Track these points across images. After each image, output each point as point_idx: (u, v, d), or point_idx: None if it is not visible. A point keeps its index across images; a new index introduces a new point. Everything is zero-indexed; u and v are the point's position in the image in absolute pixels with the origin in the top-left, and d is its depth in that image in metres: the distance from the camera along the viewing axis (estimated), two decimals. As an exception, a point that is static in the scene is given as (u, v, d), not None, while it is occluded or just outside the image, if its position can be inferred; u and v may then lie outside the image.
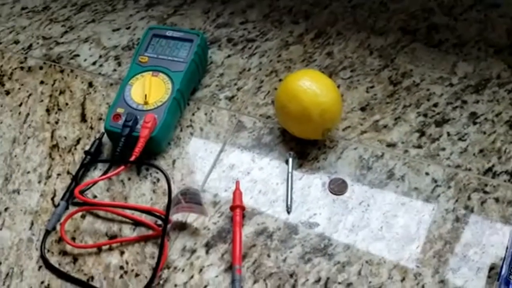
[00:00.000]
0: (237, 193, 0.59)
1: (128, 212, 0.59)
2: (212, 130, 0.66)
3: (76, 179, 0.62)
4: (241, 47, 0.75)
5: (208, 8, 0.79)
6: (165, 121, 0.62)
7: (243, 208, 0.58)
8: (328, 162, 0.62)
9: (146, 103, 0.63)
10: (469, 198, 0.58)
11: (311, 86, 0.60)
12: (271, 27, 0.76)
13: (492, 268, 0.53)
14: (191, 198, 0.57)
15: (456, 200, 0.58)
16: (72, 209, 0.60)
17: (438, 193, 0.59)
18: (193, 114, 0.68)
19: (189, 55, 0.67)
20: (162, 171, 0.57)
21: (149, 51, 0.68)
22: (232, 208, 0.58)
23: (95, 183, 0.61)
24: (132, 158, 0.59)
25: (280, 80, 0.70)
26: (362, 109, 0.66)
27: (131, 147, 0.61)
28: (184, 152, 0.65)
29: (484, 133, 0.63)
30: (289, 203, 0.59)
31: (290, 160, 0.62)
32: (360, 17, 0.76)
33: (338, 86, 0.68)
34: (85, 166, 0.63)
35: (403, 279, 0.53)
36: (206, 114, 0.68)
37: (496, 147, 0.61)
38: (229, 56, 0.74)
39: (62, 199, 0.61)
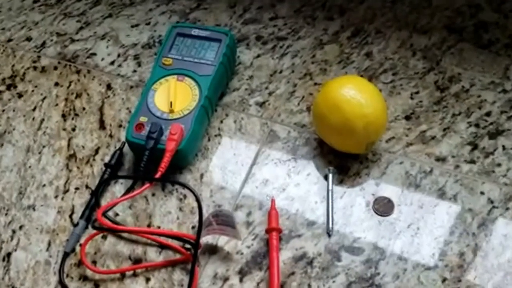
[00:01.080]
0: (273, 214, 0.54)
1: (154, 235, 0.54)
2: (242, 140, 0.61)
3: (97, 195, 0.57)
4: (271, 46, 0.69)
5: (234, 2, 0.73)
6: (192, 132, 0.57)
7: (280, 231, 0.53)
8: (371, 178, 0.57)
9: (171, 111, 0.58)
10: (530, 221, 0.52)
11: (355, 96, 0.54)
12: (303, 23, 0.70)
13: (560, 304, 0.48)
14: (224, 221, 0.52)
15: (516, 224, 0.52)
16: (91, 228, 0.55)
17: (496, 216, 0.53)
18: (221, 122, 0.62)
19: (218, 57, 0.61)
20: (191, 190, 0.51)
21: (173, 52, 0.63)
22: (268, 231, 0.53)
23: (117, 204, 0.56)
24: (158, 175, 0.54)
25: (316, 84, 0.64)
26: (407, 117, 0.61)
27: (156, 161, 0.55)
28: (212, 164, 0.59)
29: (544, 147, 0.57)
30: (330, 225, 0.54)
31: (330, 175, 0.56)
32: (401, 13, 0.70)
33: (380, 91, 0.62)
34: (106, 182, 0.58)
35: (460, 315, 0.48)
36: (235, 121, 0.62)
37: (558, 163, 0.56)
38: (258, 56, 0.68)
39: (81, 217, 0.56)
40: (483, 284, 0.49)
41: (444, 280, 0.50)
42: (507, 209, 0.53)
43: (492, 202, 0.54)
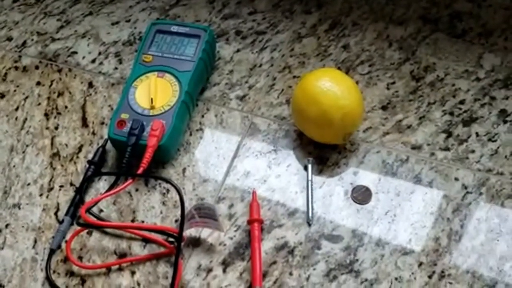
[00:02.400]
0: (254, 205, 0.55)
1: (138, 229, 0.55)
2: (223, 134, 0.62)
3: (81, 192, 0.58)
4: (250, 40, 0.70)
5: (213, -2, 0.74)
6: (174, 128, 0.58)
7: (261, 222, 0.55)
8: (349, 167, 0.58)
9: (152, 107, 0.59)
10: (502, 205, 0.54)
11: (331, 88, 0.55)
12: (281, 17, 0.71)
13: (531, 283, 0.50)
14: (206, 213, 0.53)
15: (489, 208, 0.54)
16: (77, 226, 0.56)
17: (469, 201, 0.55)
18: (202, 116, 0.63)
19: (197, 53, 0.62)
20: (173, 185, 0.52)
21: (153, 49, 0.63)
22: (250, 222, 0.55)
23: (101, 200, 0.57)
24: (140, 171, 0.55)
25: (294, 77, 0.66)
26: (383, 108, 0.62)
27: (138, 156, 0.56)
28: (194, 159, 0.60)
29: (516, 132, 0.59)
30: (310, 214, 0.55)
31: (310, 166, 0.58)
32: (377, 6, 0.71)
33: (357, 83, 0.64)
34: (89, 179, 0.58)
35: (436, 298, 0.50)
36: (216, 115, 0.63)
37: (529, 148, 0.57)
38: (238, 50, 0.69)
39: (66, 214, 0.57)
40: (458, 267, 0.51)
41: (420, 264, 0.52)
42: (481, 194, 0.55)
43: (466, 187, 0.56)
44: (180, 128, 0.60)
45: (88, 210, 0.55)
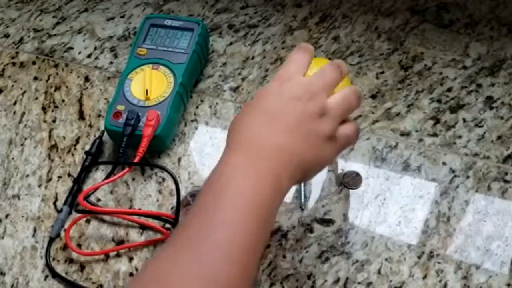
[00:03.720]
0: (247, 191, 0.57)
1: (135, 216, 0.57)
2: (218, 124, 0.64)
3: (78, 182, 0.59)
4: (243, 33, 0.71)
5: (206, -7, 0.76)
6: (168, 118, 0.59)
7: (254, 207, 0.56)
8: (340, 154, 0.59)
9: (147, 98, 0.60)
10: (489, 188, 0.56)
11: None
12: (273, 11, 0.73)
13: (516, 261, 0.51)
14: (201, 199, 0.54)
15: (476, 191, 0.56)
16: (75, 214, 0.58)
17: (457, 184, 0.56)
18: (197, 107, 0.65)
19: (191, 45, 0.64)
20: (169, 172, 0.54)
21: (147, 43, 0.65)
22: (244, 207, 0.56)
23: (98, 187, 0.58)
24: (136, 160, 0.56)
25: (286, 68, 0.67)
26: (373, 96, 0.64)
27: (134, 147, 0.58)
28: (189, 148, 0.62)
29: (502, 118, 0.60)
30: (302, 199, 0.57)
31: (301, 153, 0.59)
32: (366, -2, 0.73)
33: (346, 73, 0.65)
34: (87, 169, 0.60)
35: (425, 277, 0.51)
36: (210, 106, 0.65)
37: (514, 133, 0.59)
38: (231, 43, 0.70)
39: (64, 203, 0.58)
40: (446, 247, 0.53)
41: (409, 245, 0.53)
42: (468, 177, 0.57)
43: (453, 171, 0.57)
44: (175, 118, 0.61)
45: (86, 198, 0.57)
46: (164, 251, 0.39)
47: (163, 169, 0.54)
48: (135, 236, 0.56)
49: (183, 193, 0.57)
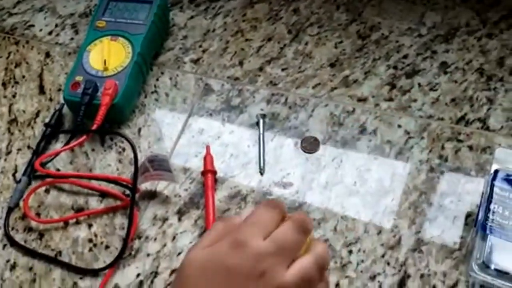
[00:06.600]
0: (208, 158, 0.57)
1: (94, 183, 0.57)
2: (178, 95, 0.64)
3: (37, 152, 0.59)
4: (204, 7, 0.72)
5: (167, -30, 0.76)
6: (127, 87, 0.59)
7: (214, 173, 0.57)
8: (299, 121, 0.61)
9: (105, 69, 0.60)
10: (442, 147, 0.57)
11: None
12: (234, -15, 0.73)
13: (468, 215, 0.52)
14: (160, 165, 0.55)
15: (430, 151, 0.57)
16: (35, 184, 0.58)
17: (411, 145, 0.57)
18: (157, 80, 0.65)
19: (149, 17, 0.64)
20: (126, 138, 0.54)
21: (106, 16, 0.65)
22: (204, 173, 0.56)
23: (56, 154, 0.58)
24: (94, 127, 0.56)
25: (247, 40, 0.68)
26: (332, 65, 0.65)
27: (93, 117, 0.58)
28: (150, 119, 0.62)
29: (456, 82, 0.62)
30: (261, 164, 0.57)
31: (261, 121, 0.60)
32: (325, -29, 0.74)
33: (306, 44, 0.66)
34: (46, 138, 0.60)
35: (379, 232, 0.52)
36: (171, 78, 0.65)
37: (467, 95, 0.60)
38: (192, 17, 0.71)
39: (23, 174, 0.58)
40: (401, 204, 0.54)
41: (364, 204, 0.54)
42: (422, 138, 0.58)
43: (408, 133, 0.58)
44: (134, 88, 0.61)
45: (44, 165, 0.57)
46: None
47: (120, 135, 0.54)
48: (95, 204, 0.56)
49: (142, 160, 0.57)
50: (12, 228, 0.56)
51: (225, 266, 0.37)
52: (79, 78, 0.60)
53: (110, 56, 0.61)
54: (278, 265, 0.37)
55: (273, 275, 0.37)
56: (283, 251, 0.38)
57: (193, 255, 0.39)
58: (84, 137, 0.56)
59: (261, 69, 0.65)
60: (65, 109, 0.63)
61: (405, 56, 0.64)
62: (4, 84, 0.67)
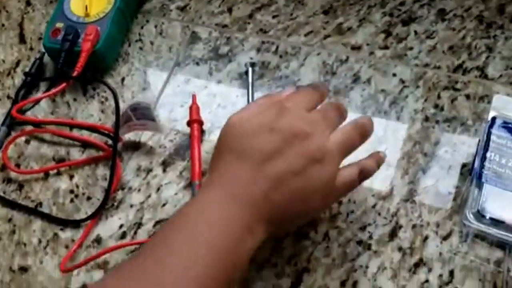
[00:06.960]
0: (194, 108, 0.55)
1: (76, 133, 0.54)
2: (164, 44, 0.61)
3: (16, 101, 0.57)
4: (191, -46, 0.68)
5: None
6: (109, 33, 0.57)
7: (201, 123, 0.54)
8: (290, 70, 0.58)
9: (87, 15, 0.57)
10: (438, 96, 0.55)
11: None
12: None
13: (464, 165, 0.50)
14: (143, 114, 0.52)
15: (425, 100, 0.55)
16: (12, 129, 0.55)
17: (406, 94, 0.55)
18: (141, 28, 0.62)
19: (133, -39, 0.61)
20: (107, 86, 0.52)
21: (88, -40, 0.61)
22: (189, 123, 0.54)
23: (36, 102, 0.56)
24: (75, 74, 0.54)
25: (235, -14, 0.65)
26: (325, 12, 0.62)
27: (74, 64, 0.55)
28: (134, 68, 0.60)
29: (453, 29, 0.59)
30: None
31: (250, 70, 0.57)
32: None
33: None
34: (26, 87, 0.57)
35: (370, 183, 0.50)
36: (156, 26, 0.62)
37: (466, 43, 0.58)
38: (178, -36, 0.67)
39: (2, 124, 0.56)
40: (394, 154, 0.52)
41: (357, 153, 0.52)
42: (417, 87, 0.55)
43: (403, 82, 0.56)
44: (116, 34, 0.59)
45: (23, 112, 0.54)
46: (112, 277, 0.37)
47: (102, 82, 0.52)
48: (77, 154, 0.54)
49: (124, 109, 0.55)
50: (-9, 179, 0.54)
51: (273, 126, 0.40)
52: (59, 24, 0.57)
53: (91, 1, 0.58)
54: (323, 130, 0.41)
55: (318, 137, 0.40)
56: (328, 120, 0.42)
57: (238, 118, 0.41)
58: (65, 84, 0.53)
59: (250, 16, 0.62)
60: (46, 59, 0.60)
61: (402, 3, 0.61)
62: (-18, 33, 0.64)
